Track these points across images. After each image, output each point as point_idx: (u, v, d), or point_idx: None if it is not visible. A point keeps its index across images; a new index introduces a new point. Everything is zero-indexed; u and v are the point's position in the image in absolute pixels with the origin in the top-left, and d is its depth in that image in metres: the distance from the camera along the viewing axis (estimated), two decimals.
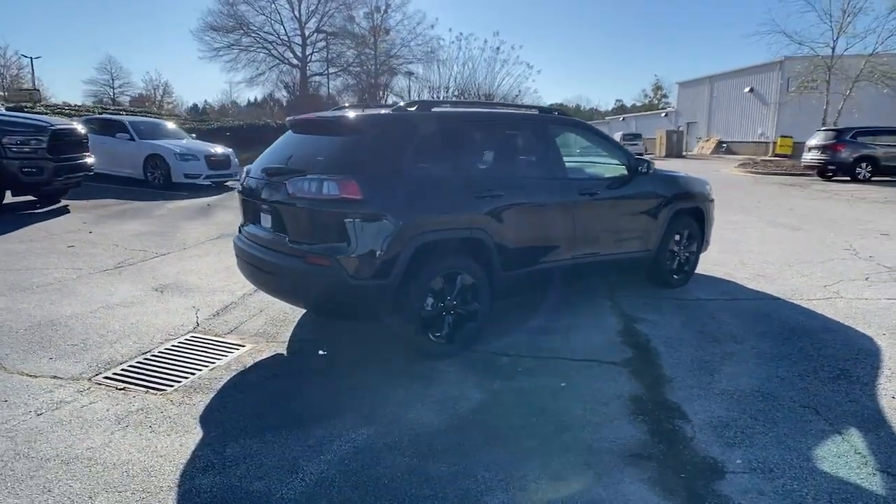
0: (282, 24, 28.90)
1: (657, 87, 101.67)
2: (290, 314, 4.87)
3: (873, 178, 19.02)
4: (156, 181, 13.01)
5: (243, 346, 4.25)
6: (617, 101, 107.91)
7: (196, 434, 2.98)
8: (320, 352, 4.16)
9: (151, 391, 3.53)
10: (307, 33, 31.18)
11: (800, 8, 44.60)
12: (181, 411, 3.25)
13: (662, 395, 3.39)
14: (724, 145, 46.67)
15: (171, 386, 3.60)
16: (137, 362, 3.93)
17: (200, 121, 26.68)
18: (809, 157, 20.57)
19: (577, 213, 4.61)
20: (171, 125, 15.71)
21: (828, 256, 7.09)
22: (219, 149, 14.02)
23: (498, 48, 24.99)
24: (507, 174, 4.36)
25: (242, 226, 4.42)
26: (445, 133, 4.03)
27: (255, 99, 57.89)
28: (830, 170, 19.77)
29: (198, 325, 4.65)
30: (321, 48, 33.30)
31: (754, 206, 12.46)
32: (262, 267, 3.95)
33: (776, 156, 36.34)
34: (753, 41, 71.54)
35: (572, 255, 4.66)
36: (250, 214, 4.25)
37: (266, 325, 4.66)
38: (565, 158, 4.72)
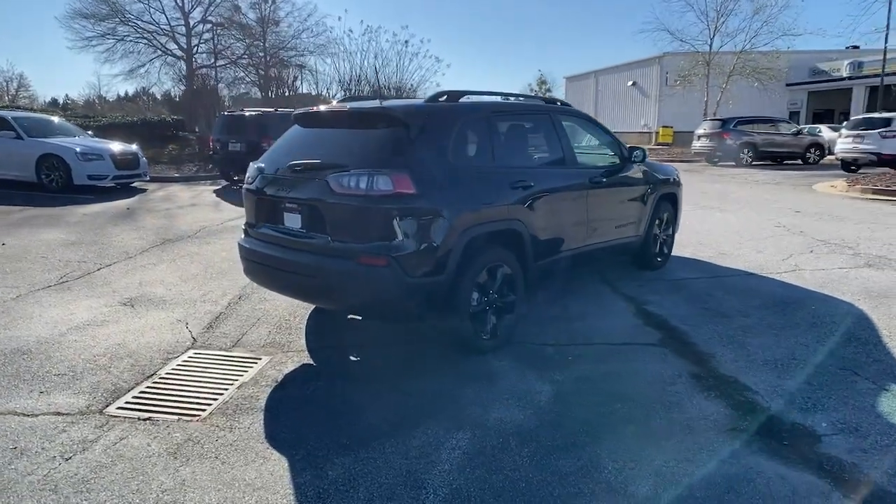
0: (163, 13, 26.66)
1: (542, 82, 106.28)
2: (290, 320, 4.54)
3: (753, 163, 21.15)
4: (53, 184, 11.56)
5: (259, 358, 3.88)
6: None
7: (279, 460, 2.68)
8: (352, 357, 3.91)
9: (183, 418, 3.13)
10: (192, 23, 29.07)
11: (681, 8, 48.46)
12: (239, 436, 2.91)
13: (716, 371, 3.54)
14: None
15: (203, 410, 3.22)
16: (147, 388, 3.48)
17: (84, 116, 24.04)
18: (699, 144, 22.45)
19: (589, 201, 4.69)
20: (59, 121, 14.06)
21: (767, 234, 7.78)
22: (123, 147, 12.74)
23: (406, 41, 24.75)
24: (535, 164, 4.35)
25: (252, 227, 4.04)
26: (480, 124, 3.94)
27: (127, 93, 53.00)
28: (717, 156, 21.71)
29: (195, 340, 4.19)
30: (207, 39, 31.22)
31: None
32: (291, 270, 3.63)
33: (658, 144, 39.41)
34: (641, 38, 76.77)
35: (586, 243, 4.74)
36: (266, 214, 3.89)
37: (271, 334, 4.30)
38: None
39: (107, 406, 3.25)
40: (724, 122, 21.66)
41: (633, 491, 2.37)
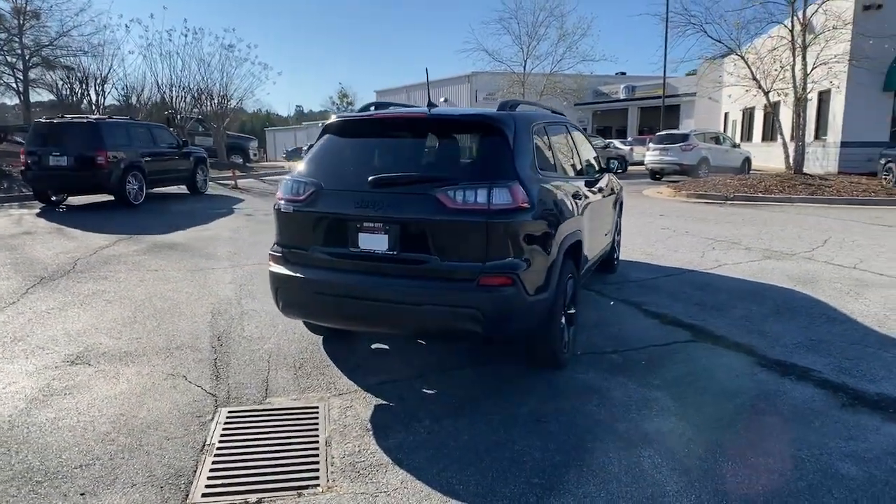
0: None
1: (343, 95, 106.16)
2: (304, 357, 3.99)
3: None
4: None
5: (315, 407, 3.30)
6: (297, 106, 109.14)
7: None
8: (425, 389, 3.51)
9: (303, 492, 2.53)
10: None
11: (496, 30, 52.13)
12: (411, 498, 2.44)
13: (770, 357, 3.89)
14: None
15: (315, 477, 2.64)
16: (215, 466, 2.74)
17: None
18: None
19: (601, 210, 4.85)
20: None
21: (662, 234, 8.77)
22: None
23: (231, 45, 22.86)
24: (573, 173, 4.35)
25: (300, 251, 3.40)
26: (543, 134, 3.82)
27: None
28: None
29: (214, 396, 3.41)
30: None
31: None
32: (384, 298, 3.14)
33: None
34: (462, 56, 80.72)
35: (601, 250, 4.90)
36: (329, 236, 3.32)
37: (299, 377, 3.68)
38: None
39: (187, 499, 2.48)
40: None
41: (845, 470, 2.52)
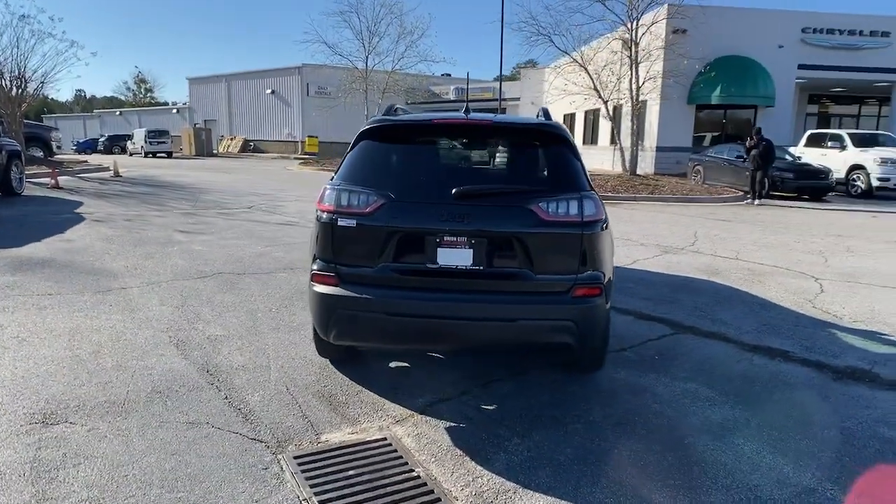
0: None
1: (141, 80, 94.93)
2: (319, 383, 3.62)
3: None
4: None
5: (382, 439, 3.04)
6: (78, 91, 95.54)
7: None
8: (483, 406, 3.40)
9: None
10: None
11: (337, 24, 50.14)
12: None
13: (748, 342, 4.43)
14: (252, 144, 48.74)
15: None
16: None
17: None
18: None
19: None
20: None
21: None
22: None
23: (24, 16, 19.11)
24: None
25: (360, 268, 3.06)
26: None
27: None
28: None
29: (263, 442, 2.95)
30: None
31: None
32: (476, 316, 2.98)
33: (306, 154, 40.69)
34: (303, 47, 75.92)
35: None
36: (400, 251, 3.03)
37: (334, 407, 3.33)
38: None
39: None
40: None
41: (889, 434, 3.02)
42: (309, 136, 42.53)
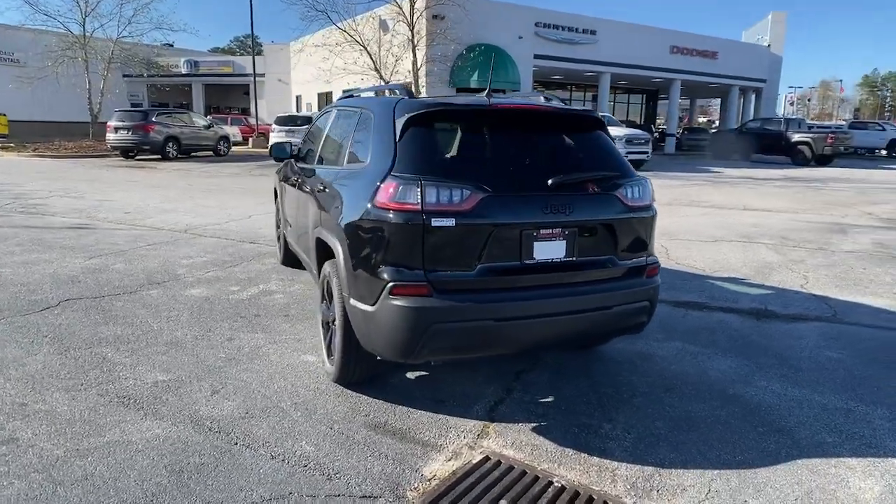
0: None
1: None
2: (368, 414, 3.19)
3: (178, 156, 21.30)
4: None
5: (486, 458, 2.81)
6: None
7: None
8: (540, 398, 3.34)
9: None
10: None
11: None
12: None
13: (692, 301, 5.12)
14: None
15: None
16: None
17: None
18: (116, 137, 20.61)
19: None
20: None
21: None
22: None
23: None
24: None
25: (458, 271, 2.68)
26: None
27: None
28: (144, 149, 20.63)
29: (391, 491, 2.48)
30: None
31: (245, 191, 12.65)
32: (579, 309, 2.87)
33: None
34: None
35: None
36: (499, 250, 2.73)
37: (405, 438, 2.96)
38: None
39: None
40: (146, 115, 20.71)
41: (833, 352, 3.87)
42: None
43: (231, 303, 4.73)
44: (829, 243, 7.59)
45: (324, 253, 3.48)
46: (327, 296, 3.41)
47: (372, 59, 17.59)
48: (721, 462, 2.71)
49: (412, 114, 2.88)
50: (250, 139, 29.75)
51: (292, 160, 5.10)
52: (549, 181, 2.80)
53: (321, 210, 3.50)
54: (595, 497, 2.51)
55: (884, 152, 31.20)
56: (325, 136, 4.22)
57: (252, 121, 34.42)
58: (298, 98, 37.13)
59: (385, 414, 3.08)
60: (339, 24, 17.07)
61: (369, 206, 2.78)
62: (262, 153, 25.30)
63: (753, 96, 33.43)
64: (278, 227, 6.11)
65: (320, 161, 4.17)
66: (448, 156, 2.93)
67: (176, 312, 4.46)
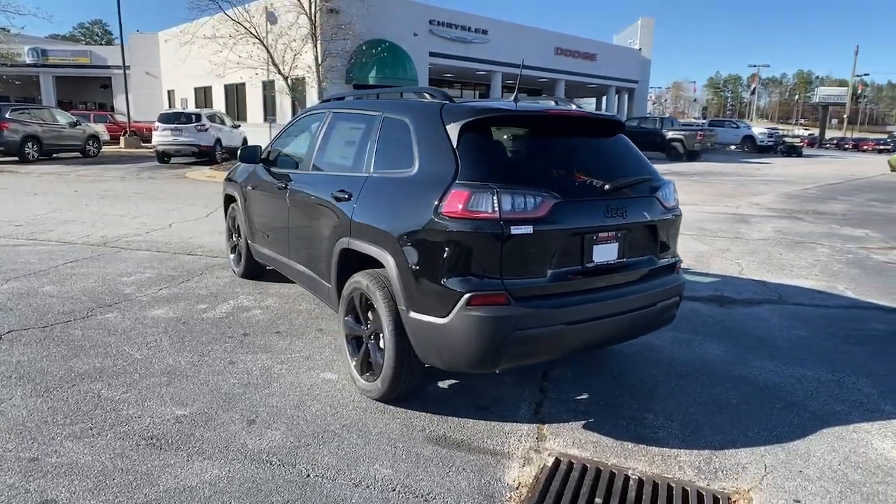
0: None
1: None
2: (425, 431, 3.14)
3: (40, 158, 18.89)
4: None
5: (555, 461, 2.89)
6: None
7: None
8: (579, 395, 3.45)
9: None
10: None
11: None
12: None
13: None
14: None
15: None
16: None
17: None
18: None
19: None
20: None
21: None
22: None
23: None
24: None
25: (532, 278, 2.71)
26: None
27: None
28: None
29: None
30: None
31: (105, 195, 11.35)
32: (631, 308, 3.01)
33: None
34: None
35: None
36: (563, 256, 2.78)
37: (463, 453, 2.95)
38: None
39: None
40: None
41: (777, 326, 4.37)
42: None
43: (208, 322, 4.34)
44: (741, 232, 8.50)
45: (349, 264, 3.33)
46: (360, 309, 3.26)
47: (269, 52, 16.72)
48: (762, 439, 2.98)
49: (470, 119, 2.83)
50: (122, 138, 27.17)
51: (259, 165, 4.78)
52: (606, 186, 2.90)
53: (345, 219, 3.31)
54: (673, 485, 2.65)
55: (733, 147, 35.34)
56: (320, 141, 3.99)
57: (120, 118, 31.39)
58: (171, 93, 34.38)
59: (439, 427, 3.01)
60: (229, 14, 16.00)
61: (433, 214, 2.70)
62: (138, 154, 23.30)
63: (627, 96, 36.25)
64: (231, 237, 5.67)
65: (316, 168, 3.95)
66: (511, 162, 2.92)
67: (152, 338, 4.02)
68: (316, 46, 16.84)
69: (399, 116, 3.23)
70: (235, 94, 28.00)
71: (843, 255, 7.21)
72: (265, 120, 26.19)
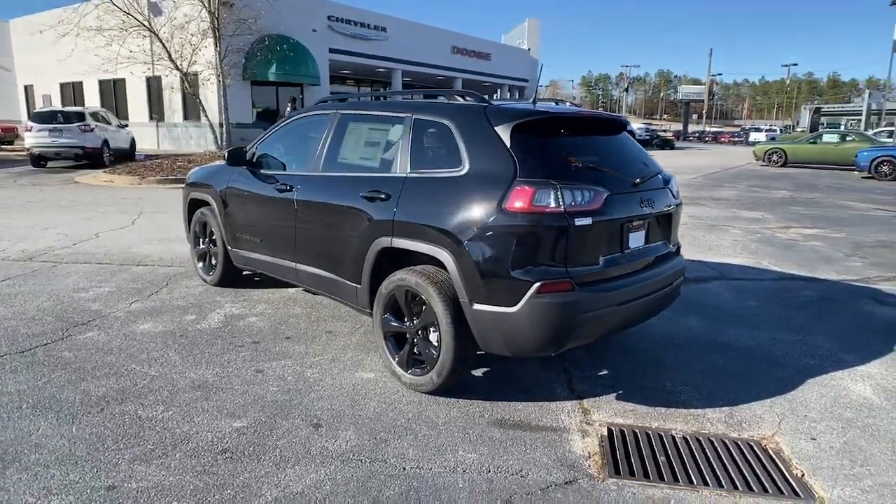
0: None
1: None
2: (467, 433, 3.33)
3: None
4: None
5: (606, 432, 3.21)
6: None
7: None
8: (599, 372, 3.78)
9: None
10: None
11: None
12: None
13: None
14: None
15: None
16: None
17: None
18: None
19: None
20: None
21: None
22: None
23: None
24: None
25: (589, 265, 2.96)
26: None
27: None
28: None
29: (570, 475, 2.70)
30: None
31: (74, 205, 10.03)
32: (657, 288, 3.36)
33: None
34: None
35: None
36: (608, 244, 3.08)
37: (528, 433, 3.18)
38: None
39: None
40: None
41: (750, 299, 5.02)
42: None
43: (208, 333, 4.16)
44: None
45: (383, 263, 3.42)
46: (405, 306, 3.33)
47: (165, 47, 15.60)
48: (766, 392, 3.46)
49: (520, 120, 3.02)
50: None
51: (242, 168, 4.62)
52: (637, 179, 3.23)
53: (383, 219, 3.36)
54: (712, 439, 3.03)
55: None
56: (330, 142, 3.94)
57: None
58: (28, 88, 30.86)
59: (495, 411, 3.18)
60: (122, 9, 14.71)
61: (496, 211, 2.86)
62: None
63: (517, 94, 37.81)
64: (198, 244, 5.39)
65: (328, 170, 3.91)
66: (560, 160, 3.12)
67: (156, 353, 3.80)
68: (218, 42, 15.97)
69: (435, 118, 3.33)
70: (113, 91, 25.77)
71: (754, 234, 8.23)
72: (150, 118, 24.39)
